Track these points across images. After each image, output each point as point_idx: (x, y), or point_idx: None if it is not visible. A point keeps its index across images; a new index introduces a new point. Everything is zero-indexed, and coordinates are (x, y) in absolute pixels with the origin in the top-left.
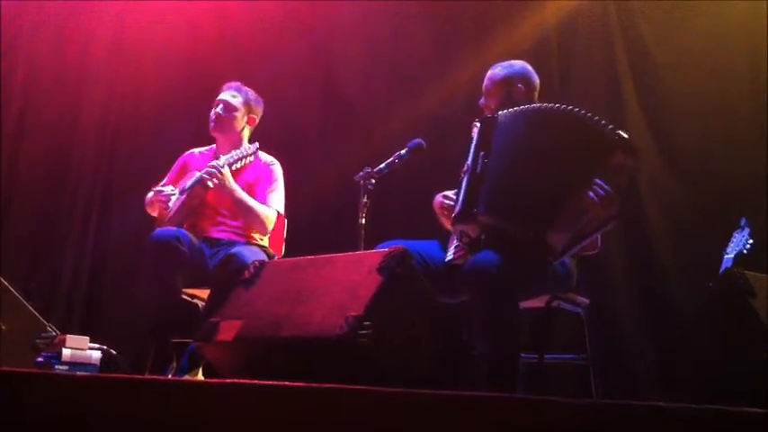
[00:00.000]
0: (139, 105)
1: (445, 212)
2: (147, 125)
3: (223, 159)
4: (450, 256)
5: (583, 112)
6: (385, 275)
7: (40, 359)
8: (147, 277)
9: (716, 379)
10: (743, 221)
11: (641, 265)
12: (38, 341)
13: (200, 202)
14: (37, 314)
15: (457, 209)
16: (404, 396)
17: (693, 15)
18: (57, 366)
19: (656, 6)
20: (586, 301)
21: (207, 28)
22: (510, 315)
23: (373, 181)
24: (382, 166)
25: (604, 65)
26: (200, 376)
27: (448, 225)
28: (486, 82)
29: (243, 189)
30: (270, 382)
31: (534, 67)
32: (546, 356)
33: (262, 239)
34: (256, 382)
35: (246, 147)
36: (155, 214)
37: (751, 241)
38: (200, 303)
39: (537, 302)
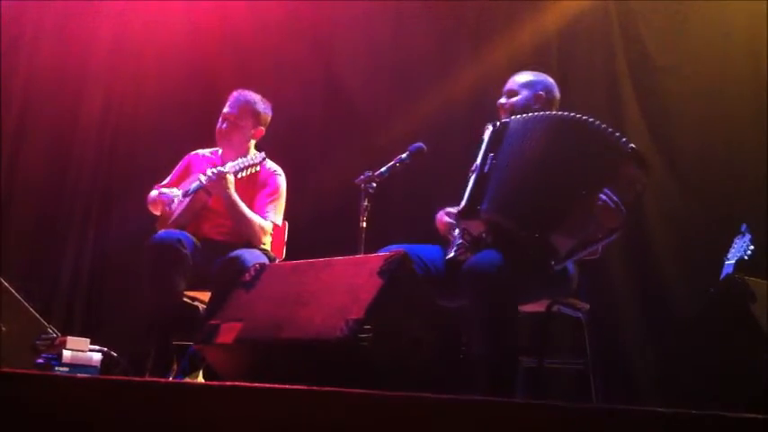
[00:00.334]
0: (139, 105)
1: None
2: (147, 125)
3: (228, 166)
4: (451, 253)
5: (598, 122)
6: (385, 279)
7: (40, 361)
8: (149, 279)
9: (716, 384)
10: (744, 227)
11: (642, 270)
12: (38, 342)
13: (202, 206)
14: (38, 315)
15: (462, 204)
16: (404, 399)
17: (694, 19)
18: (57, 368)
19: (656, 9)
20: (586, 305)
21: (207, 28)
22: (509, 315)
23: (374, 184)
24: (383, 169)
25: (604, 67)
26: (200, 378)
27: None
28: (510, 83)
29: (244, 194)
30: (270, 385)
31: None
32: (546, 361)
33: (263, 243)
34: (257, 384)
35: (253, 155)
36: (157, 213)
37: (752, 247)
38: (201, 306)
39: (537, 307)
